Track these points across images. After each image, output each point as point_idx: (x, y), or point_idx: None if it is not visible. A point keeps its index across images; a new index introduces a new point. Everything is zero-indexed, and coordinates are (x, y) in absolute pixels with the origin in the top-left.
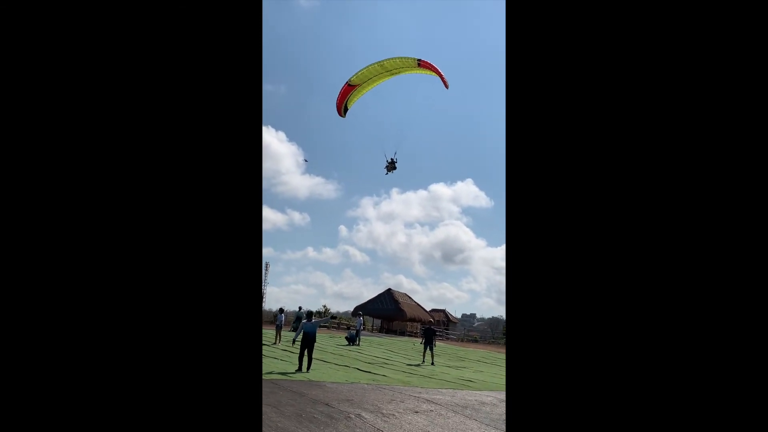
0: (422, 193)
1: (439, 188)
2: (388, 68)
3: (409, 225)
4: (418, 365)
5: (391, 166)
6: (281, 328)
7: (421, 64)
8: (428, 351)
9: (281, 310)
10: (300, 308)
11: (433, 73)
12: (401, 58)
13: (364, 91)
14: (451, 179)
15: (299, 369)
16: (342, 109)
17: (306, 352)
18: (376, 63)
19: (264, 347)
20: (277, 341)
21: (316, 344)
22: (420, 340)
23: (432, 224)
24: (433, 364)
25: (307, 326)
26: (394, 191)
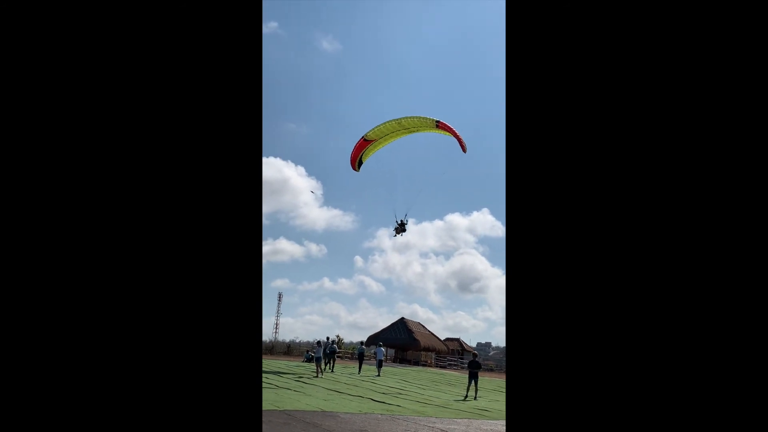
0: (438, 223)
1: (455, 218)
2: (405, 126)
3: (424, 255)
4: (461, 400)
5: (401, 228)
6: (321, 360)
7: (440, 125)
8: (473, 384)
9: (319, 343)
10: (327, 338)
11: (451, 135)
12: (420, 117)
13: (380, 147)
14: (467, 209)
15: None
16: (356, 163)
17: None
18: (394, 120)
19: (291, 381)
20: (319, 374)
21: (330, 371)
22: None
23: (448, 254)
24: (476, 398)
25: None
26: (411, 222)
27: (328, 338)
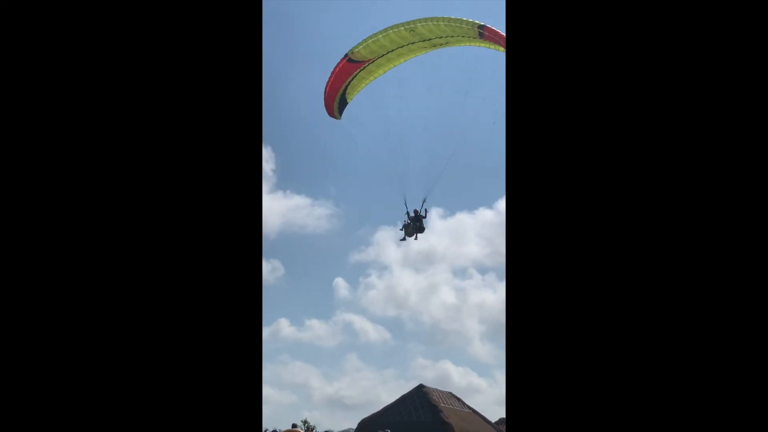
0: (485, 214)
1: None
2: (424, 35)
3: (461, 272)
4: None
5: (416, 225)
6: None
7: (486, 34)
8: None
9: None
10: (294, 426)
11: (502, 49)
12: (451, 20)
13: (378, 74)
14: None
15: None
16: (335, 103)
17: None
18: (403, 26)
19: None
20: None
21: None
22: None
23: (502, 269)
24: None
25: None
26: (435, 214)
27: (294, 426)
